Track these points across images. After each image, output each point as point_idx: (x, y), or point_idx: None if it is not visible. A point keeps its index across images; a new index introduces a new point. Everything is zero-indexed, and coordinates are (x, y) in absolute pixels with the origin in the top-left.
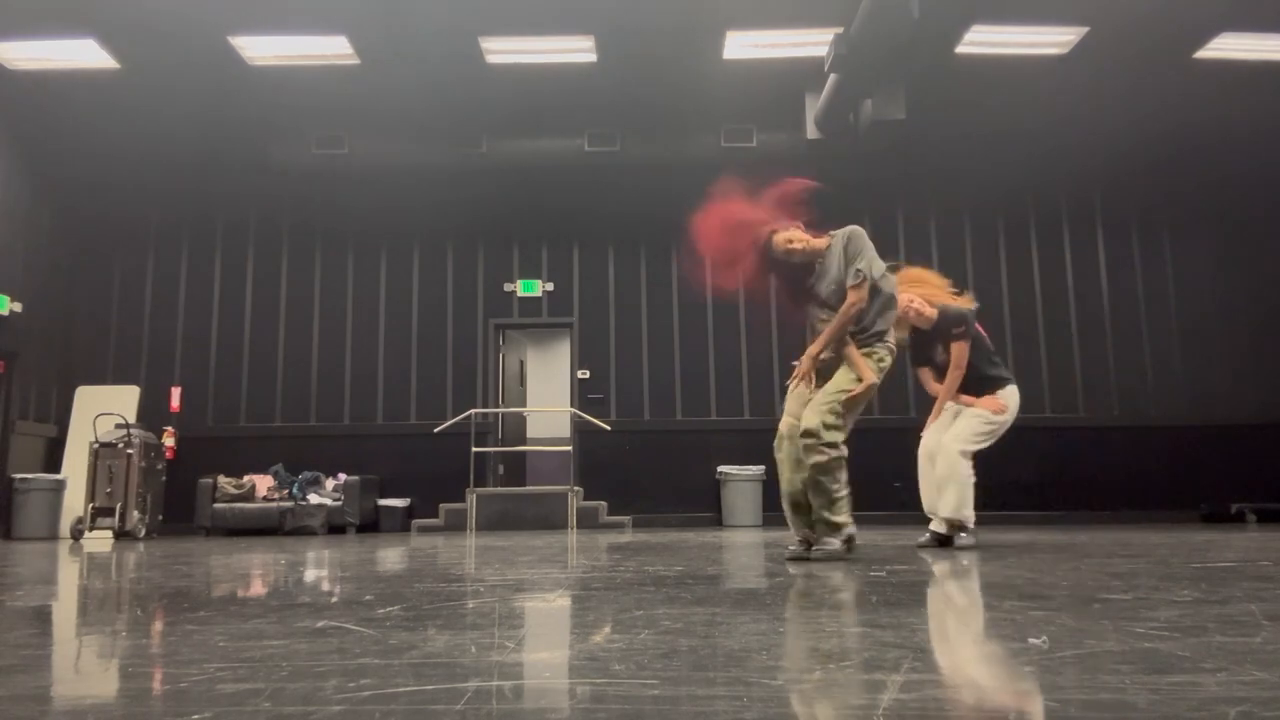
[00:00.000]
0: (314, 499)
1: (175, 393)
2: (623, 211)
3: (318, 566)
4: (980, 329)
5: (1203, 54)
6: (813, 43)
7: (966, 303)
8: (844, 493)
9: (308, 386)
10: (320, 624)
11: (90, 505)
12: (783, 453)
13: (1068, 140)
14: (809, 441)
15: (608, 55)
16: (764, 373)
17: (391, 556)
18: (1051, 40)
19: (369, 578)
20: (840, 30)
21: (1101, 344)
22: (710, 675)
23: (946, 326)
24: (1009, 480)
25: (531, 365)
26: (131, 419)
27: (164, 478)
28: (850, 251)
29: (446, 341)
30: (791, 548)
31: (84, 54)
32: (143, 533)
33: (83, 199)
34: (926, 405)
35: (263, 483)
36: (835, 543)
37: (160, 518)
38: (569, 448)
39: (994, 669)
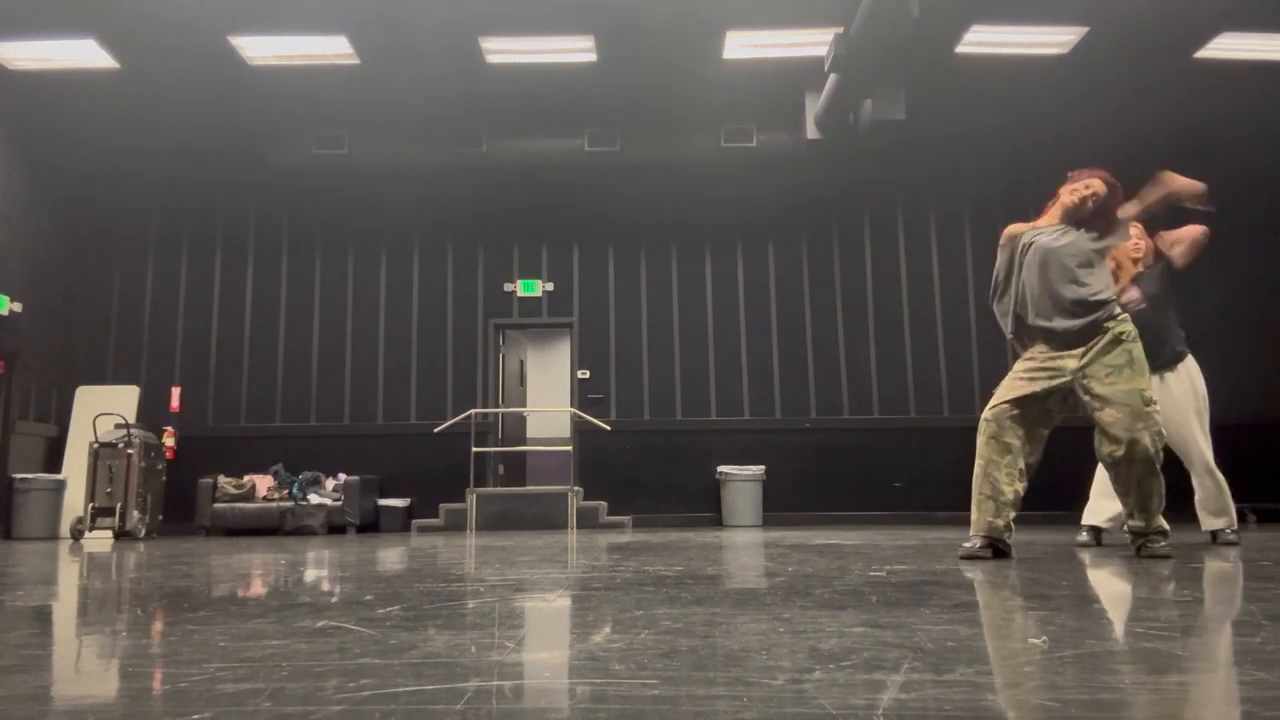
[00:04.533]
0: (314, 499)
1: (175, 393)
2: (623, 211)
3: (318, 566)
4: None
5: (1203, 54)
6: (813, 43)
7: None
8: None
9: (308, 386)
10: (320, 624)
11: (90, 505)
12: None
13: (1068, 140)
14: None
15: (608, 55)
16: (764, 373)
17: (391, 556)
18: (1051, 40)
19: (369, 578)
20: (840, 30)
21: None
22: (710, 675)
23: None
24: None
25: (531, 365)
26: (131, 419)
27: (164, 478)
28: None
29: (446, 341)
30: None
31: (84, 54)
32: (143, 533)
33: (83, 199)
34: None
35: (263, 483)
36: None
37: (160, 518)
38: (569, 448)
39: (994, 669)
